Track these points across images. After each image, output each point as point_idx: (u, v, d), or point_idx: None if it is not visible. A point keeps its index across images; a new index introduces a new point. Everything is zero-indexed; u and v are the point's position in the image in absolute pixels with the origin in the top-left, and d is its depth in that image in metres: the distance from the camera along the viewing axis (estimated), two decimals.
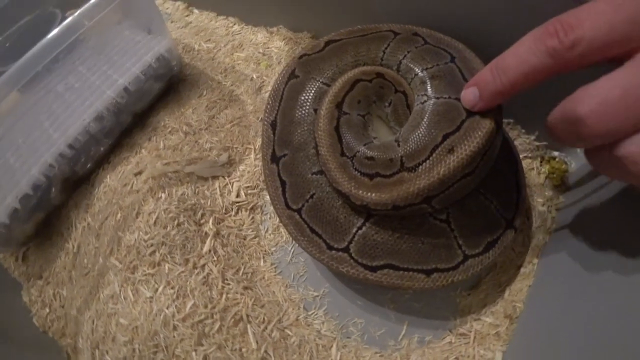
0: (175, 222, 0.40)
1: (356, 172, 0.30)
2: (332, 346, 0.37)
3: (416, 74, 0.33)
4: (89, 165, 0.46)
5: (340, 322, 0.38)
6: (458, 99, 0.28)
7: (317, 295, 0.39)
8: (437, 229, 0.32)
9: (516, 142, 0.41)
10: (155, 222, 0.40)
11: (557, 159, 0.39)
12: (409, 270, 0.32)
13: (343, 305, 0.39)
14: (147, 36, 0.50)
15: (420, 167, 0.28)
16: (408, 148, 0.29)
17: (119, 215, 0.42)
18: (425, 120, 0.29)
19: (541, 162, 0.40)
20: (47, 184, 0.42)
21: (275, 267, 0.41)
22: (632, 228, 0.29)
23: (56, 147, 0.42)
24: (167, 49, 0.49)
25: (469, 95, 0.27)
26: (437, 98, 0.30)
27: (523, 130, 0.41)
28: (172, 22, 0.63)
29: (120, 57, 0.47)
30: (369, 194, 0.29)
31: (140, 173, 0.44)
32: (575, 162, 0.39)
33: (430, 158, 0.27)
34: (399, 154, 0.29)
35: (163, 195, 0.42)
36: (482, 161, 0.28)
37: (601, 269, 0.30)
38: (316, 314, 0.38)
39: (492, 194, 0.33)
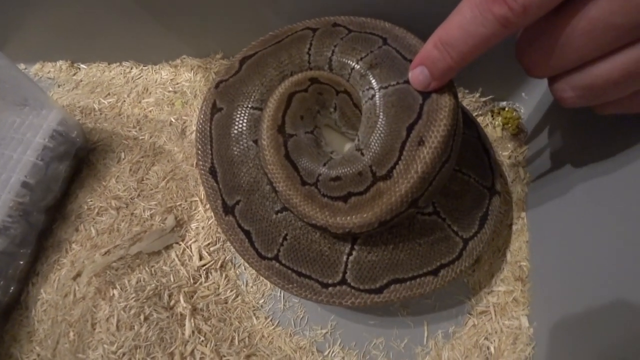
0: (142, 317, 0.34)
1: (326, 198, 0.27)
2: None
3: (352, 68, 0.29)
4: (12, 288, 0.38)
5: (360, 349, 0.35)
6: (407, 82, 0.26)
7: (327, 332, 0.35)
8: (428, 224, 0.30)
9: (464, 104, 0.40)
10: (118, 327, 0.34)
11: (506, 109, 0.39)
12: (415, 278, 0.29)
13: (357, 331, 0.35)
14: (30, 114, 0.41)
15: (395, 171, 0.25)
16: (374, 154, 0.26)
17: (71, 334, 0.35)
18: (381, 116, 0.26)
19: (492, 115, 0.40)
20: None
21: (271, 320, 0.36)
22: (601, 150, 0.29)
23: None
24: (60, 120, 0.42)
25: (419, 75, 0.25)
26: (385, 87, 0.27)
27: (467, 91, 0.40)
28: (59, 86, 0.54)
29: (2, 149, 0.39)
30: (349, 218, 0.26)
31: (79, 275, 0.37)
32: (524, 107, 0.39)
33: (402, 158, 0.25)
34: (367, 164, 0.26)
35: (115, 291, 0.35)
36: (454, 142, 0.25)
37: (587, 199, 0.30)
38: (333, 352, 0.35)
39: (467, 167, 0.32)
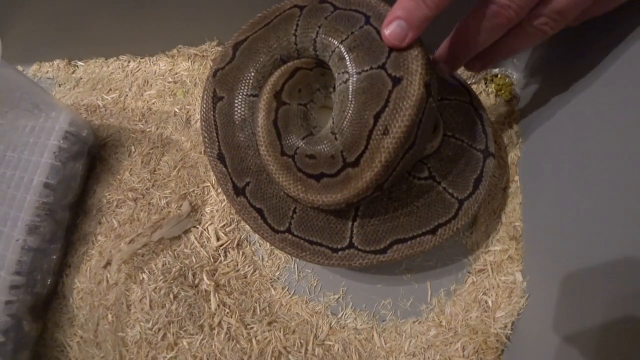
0: (171, 296, 0.38)
1: (300, 173, 0.29)
2: (372, 336, 0.37)
3: (333, 51, 0.30)
4: (49, 280, 0.41)
5: (370, 310, 0.38)
6: (380, 67, 0.26)
7: (339, 297, 0.39)
8: (424, 188, 0.32)
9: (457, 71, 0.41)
10: (151, 306, 0.37)
11: (499, 75, 0.40)
12: (415, 237, 0.32)
13: (366, 293, 0.39)
14: (40, 117, 0.43)
15: (362, 159, 0.27)
16: (345, 140, 0.27)
17: (109, 316, 0.38)
18: (353, 102, 0.27)
19: (486, 83, 0.41)
20: (15, 322, 0.37)
21: (287, 290, 0.40)
22: (590, 112, 0.30)
23: (1, 281, 0.37)
24: (70, 121, 0.43)
25: (395, 28, 0.25)
26: (359, 73, 0.28)
27: None
28: (59, 85, 0.55)
29: (19, 154, 0.41)
30: (319, 197, 0.28)
31: (109, 263, 0.40)
32: (516, 72, 0.40)
33: (369, 147, 0.26)
34: (339, 149, 0.28)
35: (144, 275, 0.39)
36: (419, 130, 0.26)
37: (577, 162, 0.31)
38: (346, 314, 0.38)
39: (460, 132, 0.33)
